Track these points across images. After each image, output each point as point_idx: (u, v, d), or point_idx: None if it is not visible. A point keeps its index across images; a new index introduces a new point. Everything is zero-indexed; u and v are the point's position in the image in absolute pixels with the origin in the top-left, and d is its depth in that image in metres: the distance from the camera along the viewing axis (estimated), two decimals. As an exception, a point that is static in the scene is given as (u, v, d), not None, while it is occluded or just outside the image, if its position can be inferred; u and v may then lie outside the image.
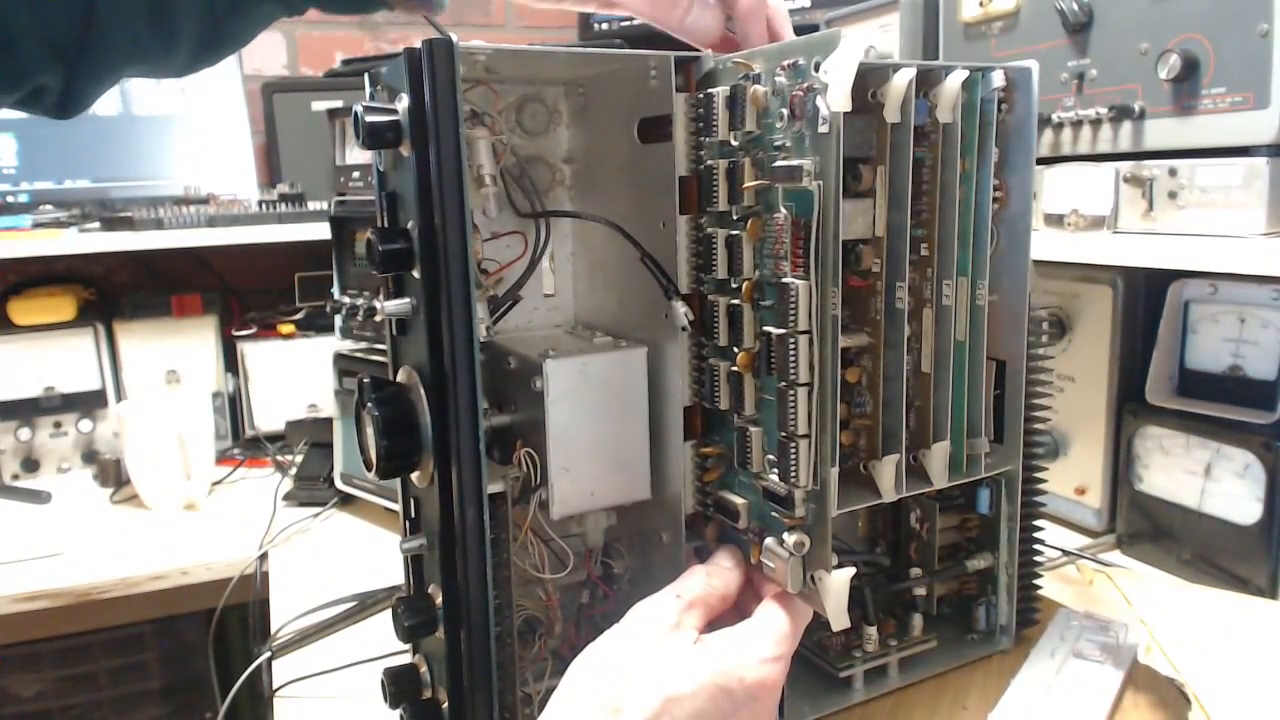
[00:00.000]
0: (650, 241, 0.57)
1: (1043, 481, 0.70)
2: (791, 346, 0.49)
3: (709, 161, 0.56)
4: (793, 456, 0.50)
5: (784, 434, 0.51)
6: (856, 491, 0.59)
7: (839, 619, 0.48)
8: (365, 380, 0.54)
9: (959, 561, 0.69)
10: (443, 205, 0.48)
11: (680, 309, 0.55)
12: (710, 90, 0.54)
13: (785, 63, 0.50)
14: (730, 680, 0.46)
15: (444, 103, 0.48)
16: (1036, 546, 0.70)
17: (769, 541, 0.53)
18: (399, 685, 0.56)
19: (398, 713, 0.57)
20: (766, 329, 0.52)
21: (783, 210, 0.50)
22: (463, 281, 0.49)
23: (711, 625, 0.52)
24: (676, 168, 0.56)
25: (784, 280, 0.50)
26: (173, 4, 0.54)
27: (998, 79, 0.58)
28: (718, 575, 0.53)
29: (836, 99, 0.46)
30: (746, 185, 0.52)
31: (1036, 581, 0.71)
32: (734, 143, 0.54)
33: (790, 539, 0.50)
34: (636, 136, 0.58)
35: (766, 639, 0.49)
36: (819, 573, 0.50)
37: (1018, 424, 0.64)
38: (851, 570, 0.49)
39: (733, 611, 0.54)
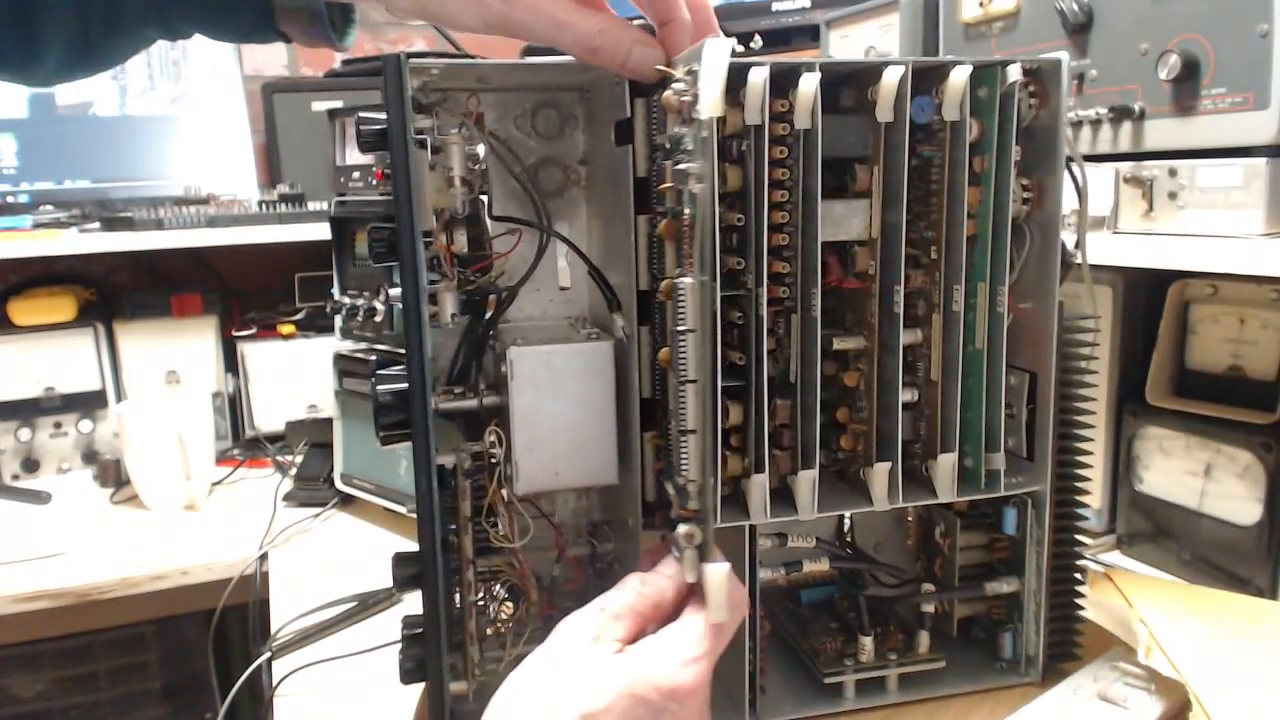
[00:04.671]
0: (621, 240, 0.60)
1: (1084, 505, 0.64)
2: (681, 344, 0.51)
3: (658, 164, 0.57)
4: (684, 451, 0.51)
5: (677, 429, 0.52)
6: (849, 497, 0.58)
7: (716, 611, 0.48)
8: (374, 358, 0.56)
9: (978, 583, 0.65)
10: (398, 203, 0.53)
11: (619, 321, 0.60)
12: (656, 96, 0.56)
13: (684, 70, 0.51)
14: (645, 689, 0.45)
15: (394, 112, 0.53)
16: (1078, 576, 0.65)
17: (674, 533, 0.53)
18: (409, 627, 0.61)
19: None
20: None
21: (686, 211, 0.51)
22: (412, 272, 0.54)
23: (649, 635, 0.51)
24: (635, 169, 0.58)
25: (675, 279, 0.51)
26: (39, 16, 0.54)
27: (1014, 72, 0.55)
28: (651, 583, 0.51)
29: (705, 105, 0.47)
30: (661, 187, 0.55)
31: (1079, 614, 0.65)
32: (667, 146, 0.55)
33: (683, 530, 0.51)
34: (613, 139, 0.60)
35: (685, 642, 0.47)
36: (704, 565, 0.50)
37: (1046, 441, 0.60)
38: (727, 565, 0.49)
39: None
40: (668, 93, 0.51)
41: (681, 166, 0.50)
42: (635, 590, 0.51)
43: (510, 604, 0.64)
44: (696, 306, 0.50)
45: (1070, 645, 0.65)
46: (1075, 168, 0.60)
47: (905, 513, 0.72)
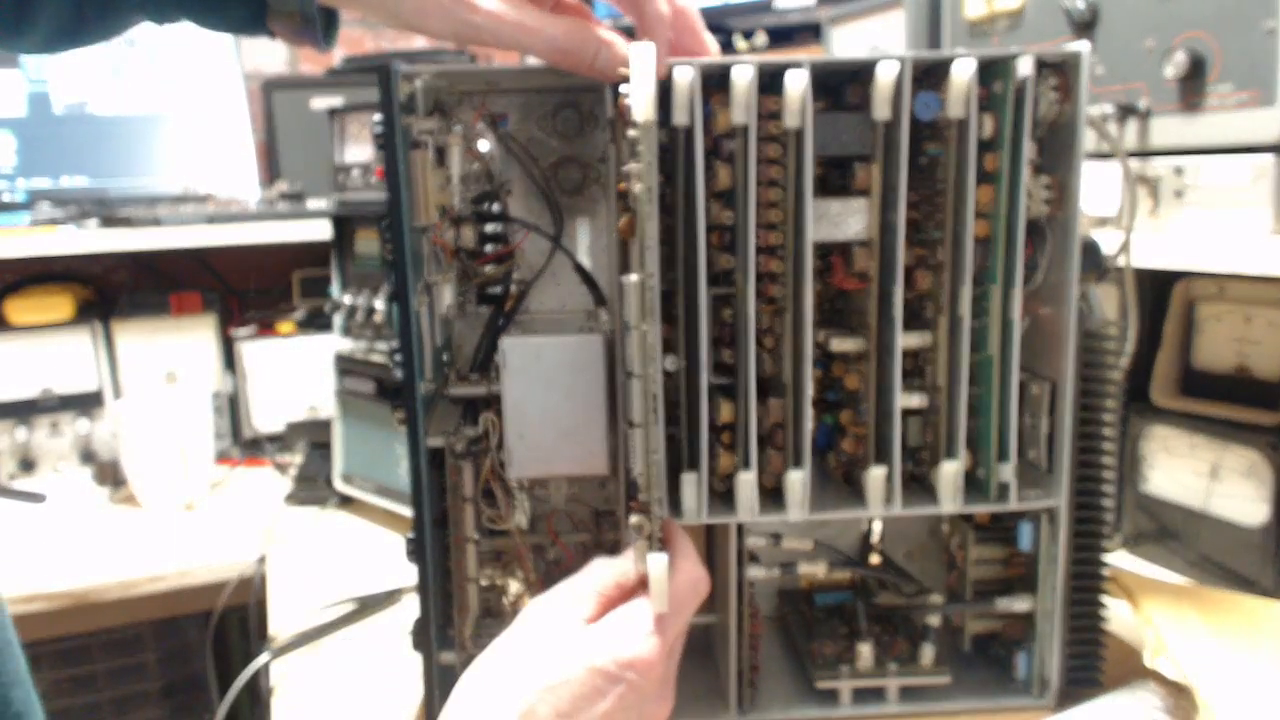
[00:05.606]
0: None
1: (1106, 524, 0.62)
2: (626, 339, 0.52)
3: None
4: (630, 443, 0.53)
5: (626, 421, 0.54)
6: (844, 500, 0.58)
7: (658, 601, 0.50)
8: (395, 344, 0.61)
9: (989, 598, 0.64)
10: (390, 202, 0.57)
11: (603, 316, 0.63)
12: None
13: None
14: (604, 660, 0.47)
15: (385, 116, 0.56)
16: (1101, 599, 0.63)
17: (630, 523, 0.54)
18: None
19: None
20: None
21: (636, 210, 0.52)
22: (402, 266, 0.58)
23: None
24: (617, 169, 0.59)
25: (622, 277, 0.52)
26: None
27: (1024, 66, 0.53)
28: (615, 567, 0.53)
29: (638, 110, 0.49)
30: (619, 186, 0.56)
31: (1101, 638, 0.63)
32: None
33: (633, 520, 0.52)
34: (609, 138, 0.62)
35: (641, 618, 0.50)
36: (648, 556, 0.51)
37: (1064, 454, 0.58)
38: (665, 557, 0.49)
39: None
40: (622, 98, 0.52)
41: (626, 167, 0.51)
42: (599, 574, 0.53)
43: (514, 583, 0.66)
44: (640, 303, 0.51)
45: (1092, 670, 0.63)
46: (1120, 164, 0.58)
47: (940, 524, 0.71)
